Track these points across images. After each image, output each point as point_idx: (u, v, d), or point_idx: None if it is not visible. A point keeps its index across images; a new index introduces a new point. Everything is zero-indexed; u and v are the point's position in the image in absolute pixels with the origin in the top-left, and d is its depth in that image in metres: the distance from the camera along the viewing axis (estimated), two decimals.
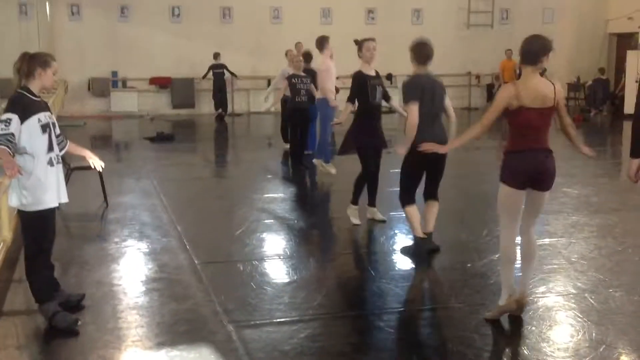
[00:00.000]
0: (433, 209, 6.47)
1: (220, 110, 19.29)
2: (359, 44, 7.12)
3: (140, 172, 10.80)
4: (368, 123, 7.12)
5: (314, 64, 11.50)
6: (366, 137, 7.15)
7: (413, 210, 6.39)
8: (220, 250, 6.64)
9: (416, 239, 6.42)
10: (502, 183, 4.69)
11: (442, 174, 6.44)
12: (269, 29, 20.38)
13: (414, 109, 6.03)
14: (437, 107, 6.26)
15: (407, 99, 6.11)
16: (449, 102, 6.43)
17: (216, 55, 18.96)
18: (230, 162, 12.92)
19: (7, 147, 4.43)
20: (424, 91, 6.14)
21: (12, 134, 4.48)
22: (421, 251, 6.35)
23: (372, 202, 7.50)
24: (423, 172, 6.36)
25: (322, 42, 10.50)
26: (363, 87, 7.09)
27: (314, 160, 10.48)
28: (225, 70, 19.12)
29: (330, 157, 10.28)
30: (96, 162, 5.33)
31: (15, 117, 4.51)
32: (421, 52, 6.21)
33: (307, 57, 11.71)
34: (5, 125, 4.47)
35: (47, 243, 4.84)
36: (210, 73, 19.07)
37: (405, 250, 6.49)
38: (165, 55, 19.74)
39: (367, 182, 7.34)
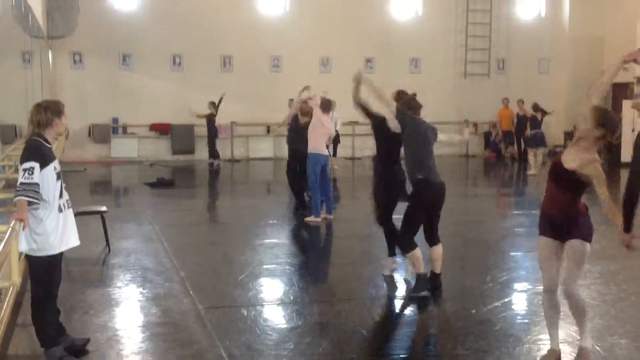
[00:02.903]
0: (440, 251, 6.67)
1: (214, 159, 19.32)
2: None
3: (141, 217, 10.82)
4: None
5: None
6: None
7: (419, 252, 6.55)
8: (224, 295, 6.62)
9: (423, 277, 6.55)
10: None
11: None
12: (268, 77, 20.67)
13: None
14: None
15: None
16: None
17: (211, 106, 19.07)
18: (231, 208, 12.93)
19: (33, 198, 4.49)
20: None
21: (37, 184, 4.54)
22: (427, 287, 6.53)
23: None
24: (425, 217, 6.57)
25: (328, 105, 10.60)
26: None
27: (306, 219, 10.46)
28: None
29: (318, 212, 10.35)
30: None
31: (37, 166, 4.57)
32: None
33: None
34: (29, 175, 4.52)
35: (54, 288, 4.85)
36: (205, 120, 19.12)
37: (414, 291, 6.57)
38: (166, 102, 19.97)
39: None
